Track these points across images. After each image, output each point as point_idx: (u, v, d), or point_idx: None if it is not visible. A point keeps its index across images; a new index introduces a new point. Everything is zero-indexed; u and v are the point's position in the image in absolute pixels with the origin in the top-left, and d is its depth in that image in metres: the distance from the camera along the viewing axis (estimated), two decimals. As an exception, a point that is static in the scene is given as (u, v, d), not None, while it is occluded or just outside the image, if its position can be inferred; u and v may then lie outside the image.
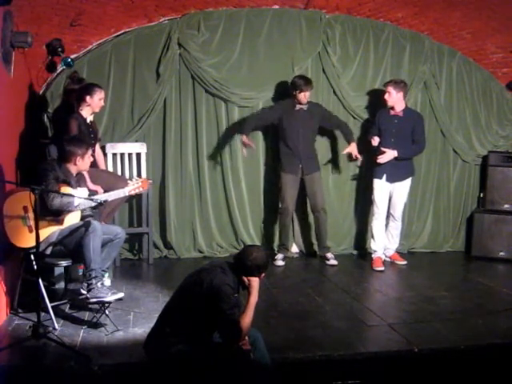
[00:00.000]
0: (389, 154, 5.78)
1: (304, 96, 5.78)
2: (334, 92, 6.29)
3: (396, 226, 6.11)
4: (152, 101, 5.91)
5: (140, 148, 5.93)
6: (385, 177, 5.88)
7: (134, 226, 6.08)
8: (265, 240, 6.35)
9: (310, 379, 3.70)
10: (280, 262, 6.00)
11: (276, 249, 6.20)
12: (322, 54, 6.24)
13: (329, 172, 6.38)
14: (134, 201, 6.06)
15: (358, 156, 5.99)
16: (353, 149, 5.95)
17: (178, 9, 5.87)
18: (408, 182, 5.99)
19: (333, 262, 6.03)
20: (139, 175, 5.79)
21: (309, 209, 6.21)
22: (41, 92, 5.80)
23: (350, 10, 6.20)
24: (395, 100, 5.83)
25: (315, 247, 6.34)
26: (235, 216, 6.25)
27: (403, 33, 6.39)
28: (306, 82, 5.79)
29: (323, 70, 6.26)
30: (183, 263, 5.99)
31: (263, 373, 3.29)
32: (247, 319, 3.16)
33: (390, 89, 5.81)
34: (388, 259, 6.16)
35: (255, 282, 3.27)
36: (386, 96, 5.84)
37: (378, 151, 5.84)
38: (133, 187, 4.47)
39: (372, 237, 6.06)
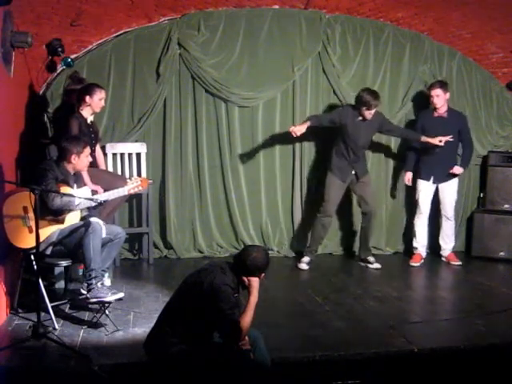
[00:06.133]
0: (458, 170, 5.93)
1: (369, 113, 5.60)
2: (334, 92, 6.29)
3: (450, 226, 6.16)
4: (152, 101, 5.91)
5: (140, 148, 5.93)
6: (432, 179, 5.96)
7: (134, 226, 6.08)
8: (265, 240, 6.34)
9: (310, 379, 3.70)
10: (304, 266, 5.82)
11: (304, 252, 6.00)
12: (322, 54, 6.23)
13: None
14: (134, 201, 6.06)
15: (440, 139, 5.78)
16: (429, 140, 5.80)
17: (178, 9, 5.87)
18: (455, 181, 6.08)
19: (376, 265, 5.92)
20: (139, 175, 5.78)
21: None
22: (41, 92, 5.80)
23: (350, 10, 6.20)
24: (443, 101, 5.88)
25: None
26: (235, 216, 6.25)
27: (403, 33, 6.39)
28: (374, 97, 5.53)
29: (323, 69, 6.26)
30: (183, 263, 5.98)
31: (263, 373, 3.29)
32: (247, 319, 3.16)
33: (439, 91, 5.83)
34: (444, 259, 6.21)
35: (255, 282, 3.27)
36: (435, 100, 5.85)
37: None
38: (132, 186, 4.46)
39: (414, 235, 6.13)
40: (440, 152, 5.89)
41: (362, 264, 6.03)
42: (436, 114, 5.94)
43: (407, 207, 6.57)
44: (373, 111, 5.62)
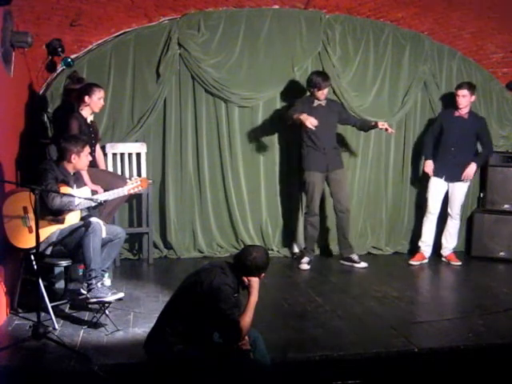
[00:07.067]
0: (471, 169, 5.90)
1: (322, 94, 5.68)
2: (334, 92, 6.28)
3: (454, 225, 6.17)
4: (152, 101, 5.91)
5: (140, 148, 5.93)
6: (444, 176, 5.97)
7: (134, 226, 6.08)
8: (265, 240, 6.33)
9: (310, 379, 3.70)
10: (305, 266, 5.81)
11: (299, 253, 6.12)
12: (322, 53, 6.23)
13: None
14: (134, 201, 6.06)
15: (390, 130, 5.79)
16: (383, 124, 5.73)
17: (178, 9, 5.87)
18: (467, 183, 6.08)
19: (363, 264, 5.86)
20: (139, 175, 5.79)
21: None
22: (41, 92, 5.80)
23: (350, 10, 6.20)
24: (467, 103, 5.91)
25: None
26: (235, 216, 6.25)
27: (403, 33, 6.39)
28: (323, 79, 5.66)
29: (323, 70, 6.24)
30: (183, 263, 5.98)
31: (263, 373, 3.29)
32: (247, 319, 3.16)
33: (465, 92, 5.86)
34: (444, 259, 6.20)
35: (255, 282, 3.28)
36: (460, 99, 5.87)
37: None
38: (132, 186, 4.47)
39: (420, 234, 6.17)
40: (455, 151, 5.93)
41: (347, 263, 5.94)
42: (457, 114, 5.97)
43: (409, 206, 6.60)
44: (325, 91, 5.68)
